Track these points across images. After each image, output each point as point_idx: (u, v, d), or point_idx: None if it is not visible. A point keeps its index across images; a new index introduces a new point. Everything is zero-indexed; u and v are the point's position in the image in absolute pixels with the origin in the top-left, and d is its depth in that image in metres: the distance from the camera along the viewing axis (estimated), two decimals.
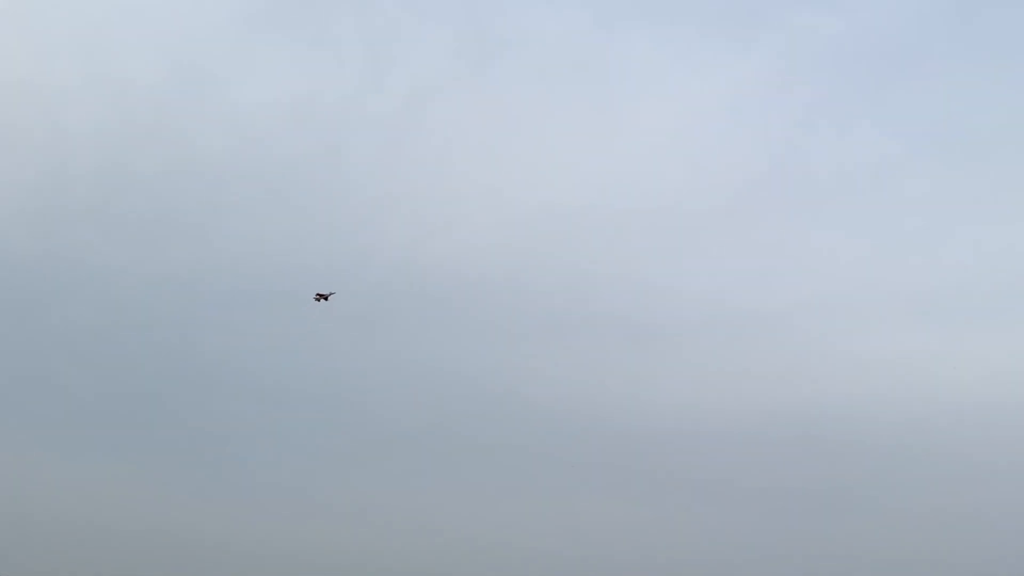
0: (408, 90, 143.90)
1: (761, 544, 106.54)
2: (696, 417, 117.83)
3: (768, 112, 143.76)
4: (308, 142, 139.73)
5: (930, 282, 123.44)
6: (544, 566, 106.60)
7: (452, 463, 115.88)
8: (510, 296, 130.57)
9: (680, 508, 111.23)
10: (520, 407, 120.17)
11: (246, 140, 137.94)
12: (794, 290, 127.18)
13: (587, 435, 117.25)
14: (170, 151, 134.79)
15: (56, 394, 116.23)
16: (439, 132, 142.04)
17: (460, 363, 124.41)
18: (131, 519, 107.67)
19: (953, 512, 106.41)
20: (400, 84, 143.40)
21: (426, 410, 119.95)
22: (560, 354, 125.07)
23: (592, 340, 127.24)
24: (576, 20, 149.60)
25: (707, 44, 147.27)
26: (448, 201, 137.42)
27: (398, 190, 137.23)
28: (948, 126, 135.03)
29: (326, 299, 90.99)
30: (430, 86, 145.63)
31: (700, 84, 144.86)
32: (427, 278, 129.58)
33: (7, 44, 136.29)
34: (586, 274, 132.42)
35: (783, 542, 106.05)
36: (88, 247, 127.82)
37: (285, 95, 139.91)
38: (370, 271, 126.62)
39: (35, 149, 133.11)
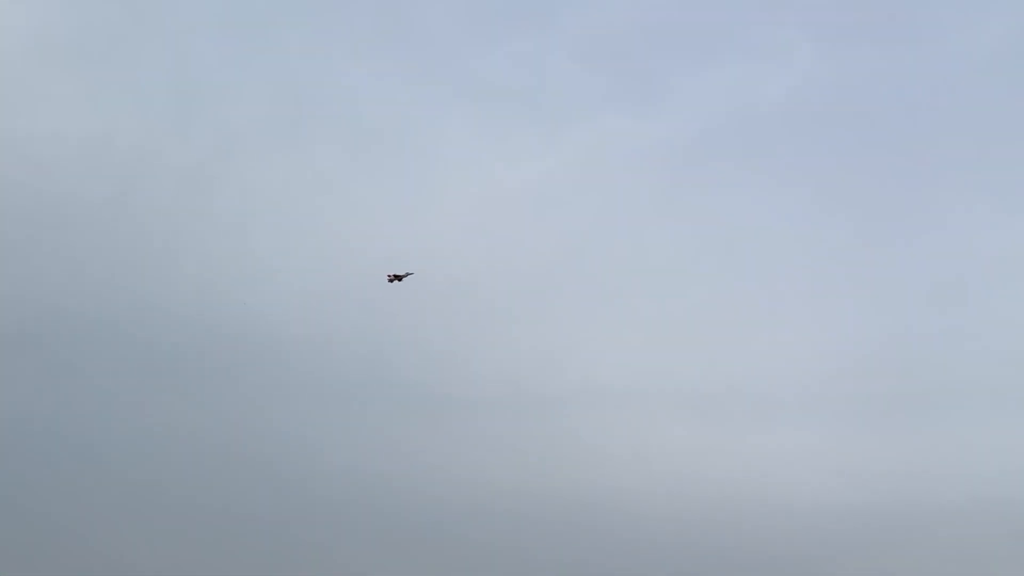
0: (213, 142, 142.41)
1: None
2: (481, 493, 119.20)
3: (570, 204, 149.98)
4: (97, 183, 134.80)
5: (705, 380, 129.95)
6: None
7: (232, 537, 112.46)
8: (303, 362, 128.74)
9: None
10: (311, 477, 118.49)
11: (25, 174, 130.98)
12: (580, 376, 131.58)
13: (376, 506, 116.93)
14: None
15: None
16: (241, 188, 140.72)
17: (244, 431, 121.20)
18: None
19: None
20: (205, 135, 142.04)
21: (203, 481, 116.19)
22: (353, 423, 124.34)
23: (386, 410, 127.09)
24: (396, 94, 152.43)
25: (519, 134, 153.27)
26: (244, 261, 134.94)
27: (191, 244, 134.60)
28: (729, 234, 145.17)
29: (400, 280, 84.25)
30: (237, 140, 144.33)
31: (509, 171, 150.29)
32: (213, 340, 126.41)
33: None
34: (383, 344, 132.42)
35: None
36: None
37: (76, 131, 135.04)
38: (150, 328, 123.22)
39: None
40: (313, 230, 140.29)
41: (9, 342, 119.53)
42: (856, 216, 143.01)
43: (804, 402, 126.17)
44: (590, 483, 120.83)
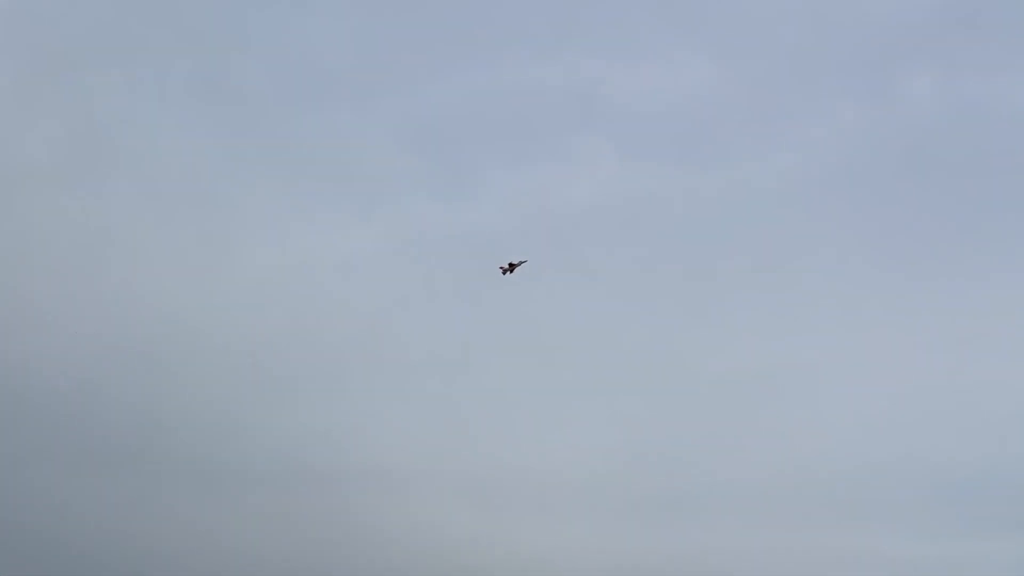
0: None
1: None
2: (252, 571, 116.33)
3: (371, 282, 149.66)
4: None
5: (486, 467, 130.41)
6: None
7: None
8: (63, 418, 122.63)
9: None
10: (63, 542, 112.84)
11: None
12: (363, 456, 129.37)
13: None
14: None
15: None
16: (13, 228, 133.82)
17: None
18: None
19: None
20: None
21: None
22: (114, 487, 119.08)
23: (153, 476, 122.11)
24: (202, 147, 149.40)
25: (327, 206, 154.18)
26: (13, 306, 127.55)
27: None
28: (525, 326, 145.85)
29: (512, 270, 77.74)
30: (15, 177, 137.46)
31: (312, 242, 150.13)
32: None
33: None
34: (157, 405, 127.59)
35: None
36: None
37: None
38: None
39: None
40: (92, 277, 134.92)
41: None
42: (647, 319, 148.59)
43: (581, 495, 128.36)
44: (365, 567, 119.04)
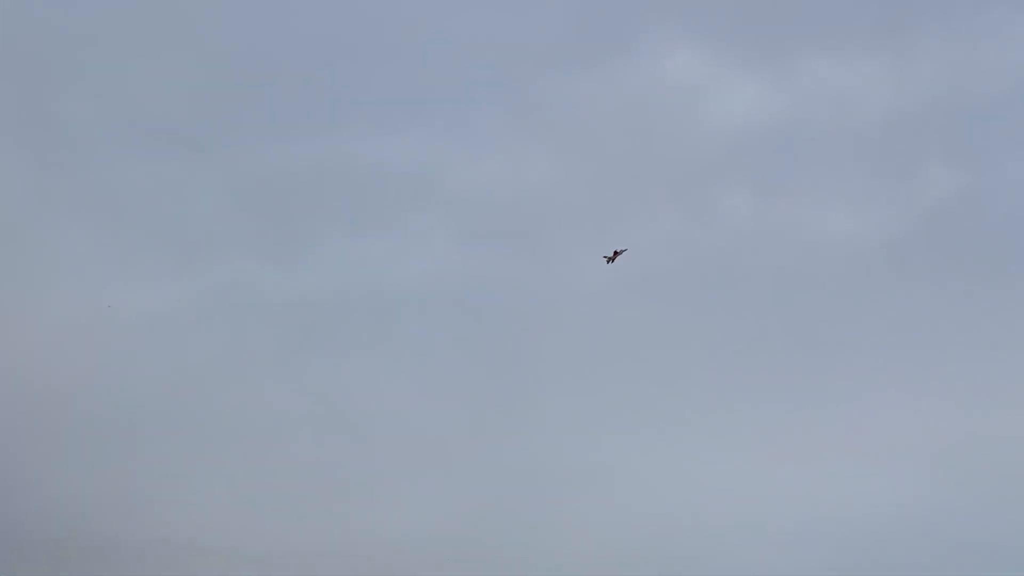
0: None
1: None
2: None
3: (186, 342, 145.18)
4: None
5: (286, 542, 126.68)
6: None
7: None
8: None
9: None
10: None
11: None
12: (159, 525, 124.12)
13: None
14: None
15: None
16: None
17: None
18: None
19: None
20: None
21: None
22: None
23: None
24: (16, 186, 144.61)
25: (148, 259, 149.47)
26: None
27: None
28: (336, 402, 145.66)
29: (614, 259, 79.93)
30: None
31: (126, 293, 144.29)
32: None
33: None
34: None
35: None
36: None
37: None
38: None
39: None
40: None
41: None
42: (465, 402, 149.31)
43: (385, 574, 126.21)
44: None
